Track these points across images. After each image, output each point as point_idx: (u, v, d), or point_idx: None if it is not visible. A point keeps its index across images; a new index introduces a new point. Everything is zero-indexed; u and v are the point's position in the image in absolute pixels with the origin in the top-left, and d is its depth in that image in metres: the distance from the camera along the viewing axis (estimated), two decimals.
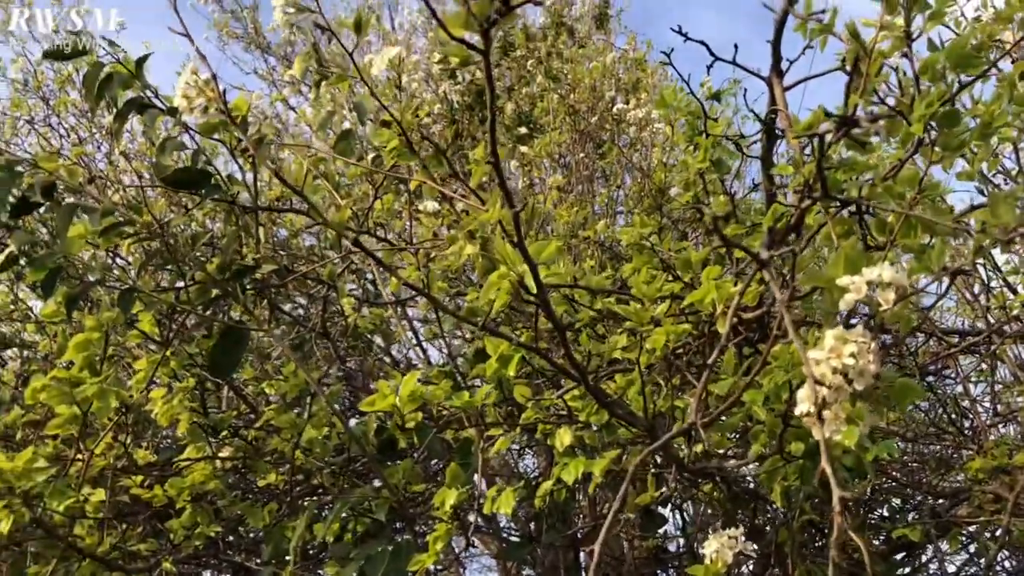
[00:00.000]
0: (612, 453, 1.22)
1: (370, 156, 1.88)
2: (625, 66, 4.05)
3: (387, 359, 3.06)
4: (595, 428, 1.40)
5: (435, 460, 2.01)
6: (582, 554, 2.87)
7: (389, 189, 1.77)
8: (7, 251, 1.42)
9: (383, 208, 1.83)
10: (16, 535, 1.40)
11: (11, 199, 1.46)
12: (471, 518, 1.51)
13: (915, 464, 2.59)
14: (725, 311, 1.16)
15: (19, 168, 1.48)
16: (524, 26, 4.57)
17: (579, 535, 2.68)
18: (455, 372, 1.59)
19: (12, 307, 3.16)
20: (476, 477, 1.54)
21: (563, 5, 5.41)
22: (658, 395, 1.34)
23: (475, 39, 0.76)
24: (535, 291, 0.87)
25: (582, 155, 3.61)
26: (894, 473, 2.41)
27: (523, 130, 3.50)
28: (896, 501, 2.48)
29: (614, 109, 3.49)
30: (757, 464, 1.21)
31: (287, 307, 2.51)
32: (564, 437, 1.41)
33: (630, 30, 5.18)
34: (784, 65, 1.17)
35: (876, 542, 2.15)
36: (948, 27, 1.70)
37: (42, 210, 1.50)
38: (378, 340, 2.87)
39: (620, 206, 3.71)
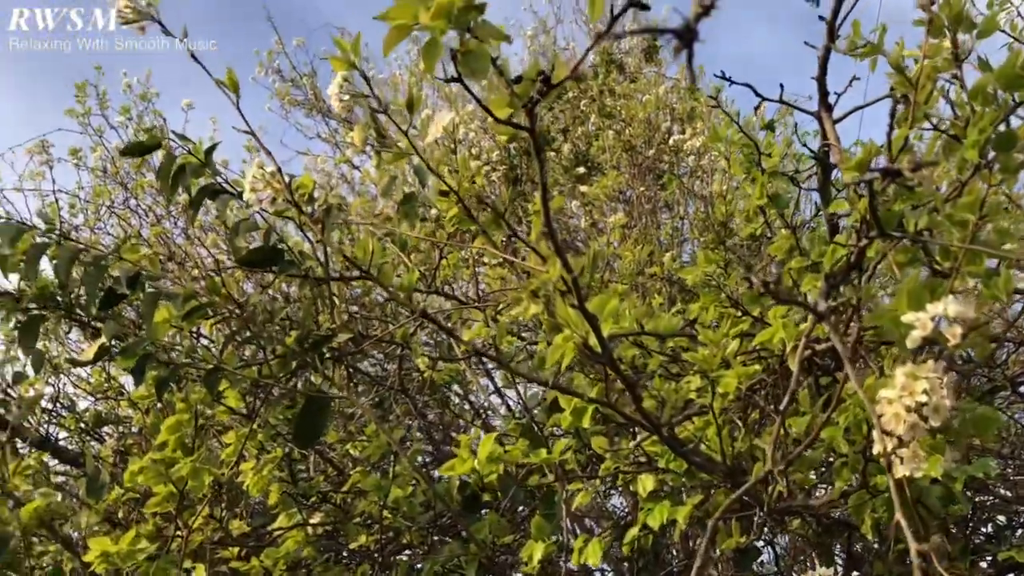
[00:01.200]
0: (695, 498, 1.22)
1: (432, 213, 1.93)
2: (678, 96, 4.06)
3: (466, 406, 3.10)
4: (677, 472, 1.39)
5: (520, 509, 2.02)
6: None
7: (453, 248, 1.82)
8: (98, 342, 1.50)
9: (449, 265, 1.87)
10: None
11: (99, 293, 1.54)
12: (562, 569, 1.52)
13: (1021, 478, 2.49)
14: (796, 347, 1.16)
15: (104, 262, 1.56)
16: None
17: (673, 573, 2.64)
18: (532, 424, 1.61)
19: (106, 385, 3.30)
20: (563, 523, 1.55)
21: (611, 42, 5.45)
22: (737, 434, 1.34)
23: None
24: (599, 351, 0.89)
25: (642, 188, 3.62)
26: (998, 488, 2.32)
27: (581, 170, 3.53)
28: (1001, 519, 2.39)
29: (671, 140, 3.50)
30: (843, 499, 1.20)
31: (364, 364, 2.57)
32: (646, 483, 1.41)
33: (680, 58, 5.17)
34: (832, 98, 1.17)
35: (983, 565, 2.07)
36: (1005, 32, 1.67)
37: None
38: (456, 388, 2.91)
39: (685, 234, 3.70)
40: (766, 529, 1.81)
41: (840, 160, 1.12)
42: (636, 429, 1.31)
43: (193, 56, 1.20)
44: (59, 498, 1.55)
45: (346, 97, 1.09)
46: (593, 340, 0.87)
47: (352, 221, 2.59)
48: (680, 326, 1.53)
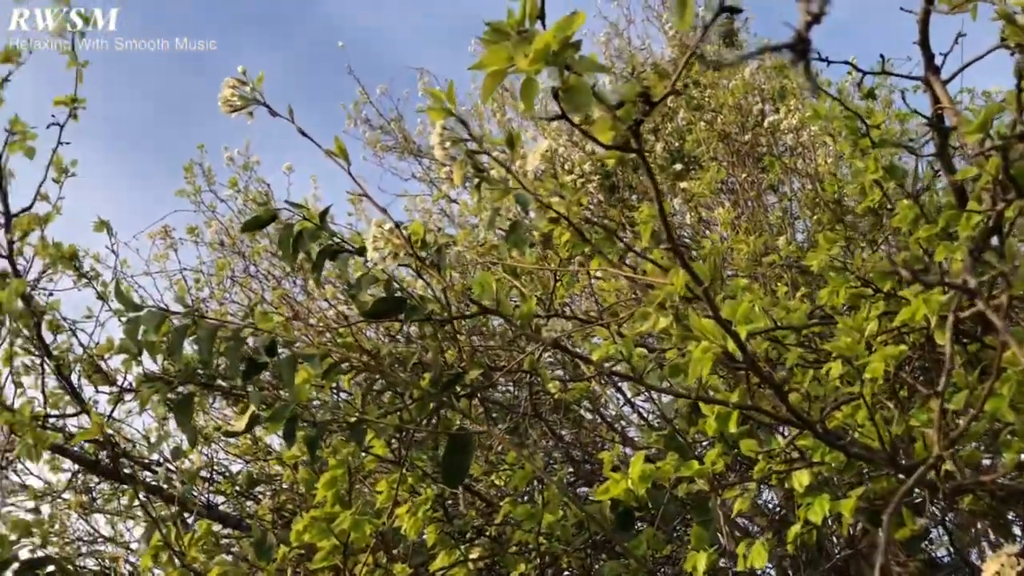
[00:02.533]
0: (858, 490, 1.18)
1: (538, 235, 1.94)
2: (765, 75, 3.97)
3: (599, 421, 3.09)
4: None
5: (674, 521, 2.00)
6: None
7: (567, 272, 1.82)
8: (248, 412, 1.57)
9: (564, 286, 1.88)
10: None
11: (241, 363, 1.62)
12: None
13: None
14: (943, 320, 1.11)
15: (242, 334, 1.64)
16: (655, 65, 4.58)
17: (838, 564, 2.56)
18: (674, 434, 1.60)
19: (254, 447, 3.44)
20: (721, 529, 1.53)
21: (687, 32, 5.38)
22: (890, 417, 1.29)
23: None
24: (740, 357, 0.88)
25: (744, 175, 3.55)
26: None
27: (678, 167, 3.49)
28: None
29: (766, 123, 3.42)
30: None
31: (494, 393, 2.60)
32: (802, 479, 1.38)
33: (759, 36, 5.07)
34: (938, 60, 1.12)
35: None
36: None
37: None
38: (586, 404, 2.92)
39: (795, 213, 3.60)
40: (937, 511, 1.73)
41: (959, 123, 1.08)
42: (784, 427, 1.28)
43: (302, 132, 1.25)
44: (233, 565, 1.63)
45: (448, 144, 1.12)
46: (732, 346, 0.86)
47: (460, 256, 2.63)
48: (807, 313, 1.49)
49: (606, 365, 1.76)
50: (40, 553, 1.72)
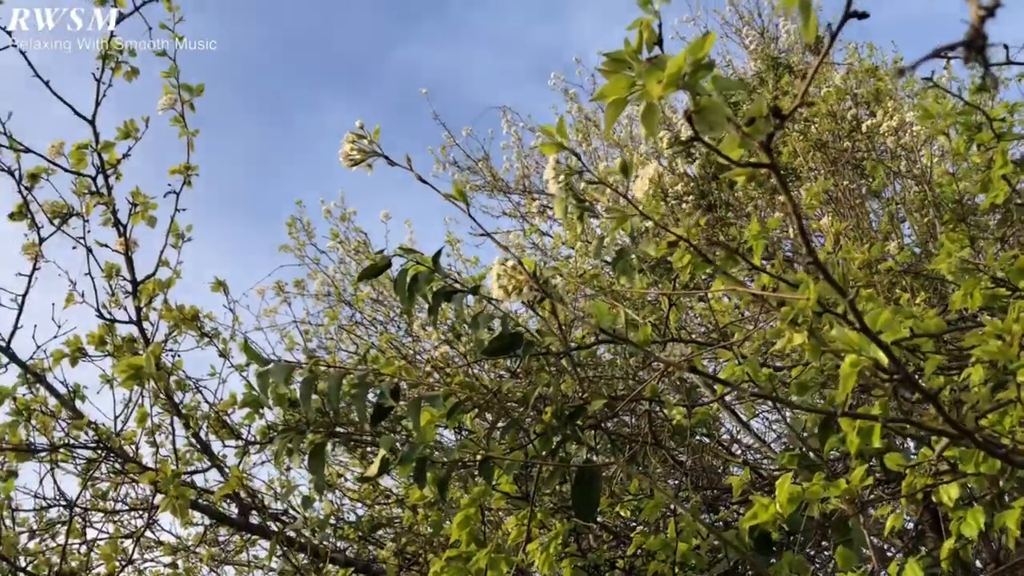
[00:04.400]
0: (1022, 501, 1.12)
1: (647, 259, 1.93)
2: (857, 80, 3.88)
3: (716, 446, 3.03)
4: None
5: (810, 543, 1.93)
6: None
7: (684, 295, 1.81)
8: (379, 456, 1.60)
9: (680, 308, 1.85)
10: None
11: (369, 409, 1.65)
12: None
13: None
14: None
15: (367, 380, 1.67)
16: (740, 79, 4.52)
17: None
18: (808, 452, 1.55)
19: (373, 491, 3.50)
20: (866, 550, 1.47)
21: (767, 42, 5.31)
22: None
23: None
24: (890, 369, 0.85)
25: (845, 183, 3.46)
26: None
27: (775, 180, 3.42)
28: None
29: (864, 127, 3.33)
30: None
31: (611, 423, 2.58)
32: (951, 492, 1.32)
33: (843, 40, 4.96)
34: None
35: None
36: None
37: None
38: (702, 431, 2.86)
39: (902, 216, 3.49)
40: None
41: None
42: (932, 438, 1.23)
43: (421, 179, 1.28)
44: None
45: (562, 178, 1.13)
46: (881, 356, 0.83)
47: (562, 289, 2.64)
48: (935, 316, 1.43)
49: (728, 388, 1.73)
50: None
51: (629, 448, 2.27)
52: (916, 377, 1.20)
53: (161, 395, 1.86)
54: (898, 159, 3.41)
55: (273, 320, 4.18)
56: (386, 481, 3.63)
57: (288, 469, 3.13)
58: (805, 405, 1.22)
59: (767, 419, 3.66)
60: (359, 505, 3.55)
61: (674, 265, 1.21)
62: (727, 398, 3.25)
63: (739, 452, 3.17)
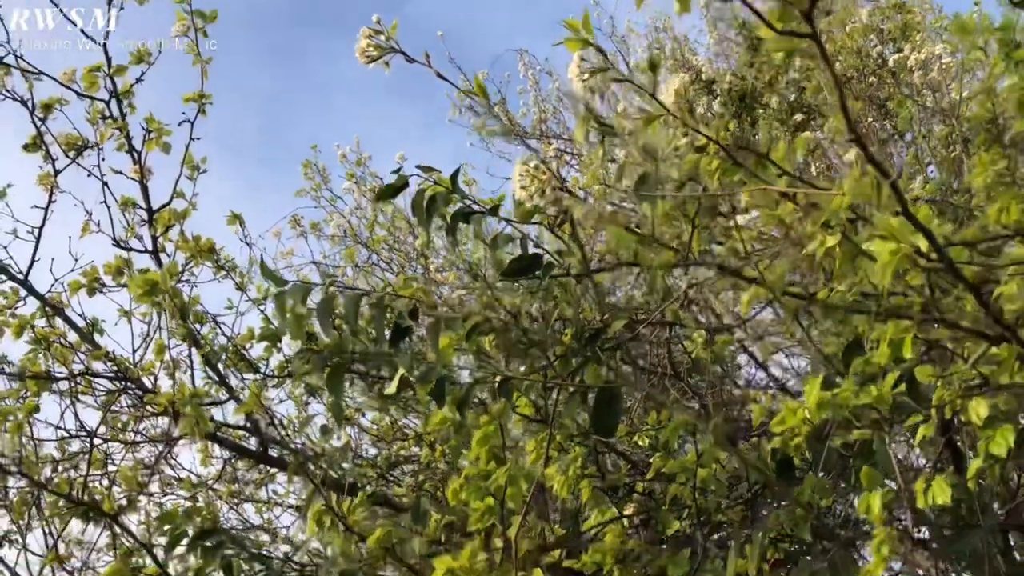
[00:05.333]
0: None
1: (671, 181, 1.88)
2: (884, 16, 3.78)
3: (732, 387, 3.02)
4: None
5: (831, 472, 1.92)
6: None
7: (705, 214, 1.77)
8: (398, 374, 1.59)
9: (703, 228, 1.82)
10: None
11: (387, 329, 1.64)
12: (904, 519, 1.42)
13: None
14: None
15: (384, 302, 1.65)
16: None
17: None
18: (832, 367, 1.52)
19: (391, 429, 3.51)
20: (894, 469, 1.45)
21: None
22: None
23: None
24: (934, 256, 0.81)
25: (869, 120, 3.39)
26: None
27: (799, 117, 3.36)
28: None
29: (891, 61, 3.25)
30: None
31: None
32: (979, 409, 1.29)
33: None
34: None
35: None
36: None
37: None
38: (717, 369, 2.85)
39: (928, 156, 3.42)
40: None
41: None
42: (965, 350, 1.19)
43: (440, 75, 1.24)
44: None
45: (587, 75, 1.09)
46: (922, 241, 0.80)
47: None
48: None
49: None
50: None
51: (648, 380, 2.26)
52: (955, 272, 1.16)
53: (177, 318, 1.85)
54: (924, 96, 3.33)
55: (290, 262, 4.16)
56: (404, 422, 3.65)
57: (307, 404, 3.14)
58: (844, 304, 1.17)
59: (783, 366, 3.63)
60: (378, 446, 3.58)
61: (702, 171, 1.17)
62: (746, 336, 3.22)
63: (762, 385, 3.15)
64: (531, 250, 1.64)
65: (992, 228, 1.46)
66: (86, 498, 2.15)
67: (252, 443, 2.79)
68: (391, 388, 1.56)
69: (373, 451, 3.66)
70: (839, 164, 3.21)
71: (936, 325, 1.05)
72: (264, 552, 2.26)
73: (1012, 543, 2.62)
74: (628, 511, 1.72)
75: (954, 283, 0.89)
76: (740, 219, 1.84)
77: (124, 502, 2.26)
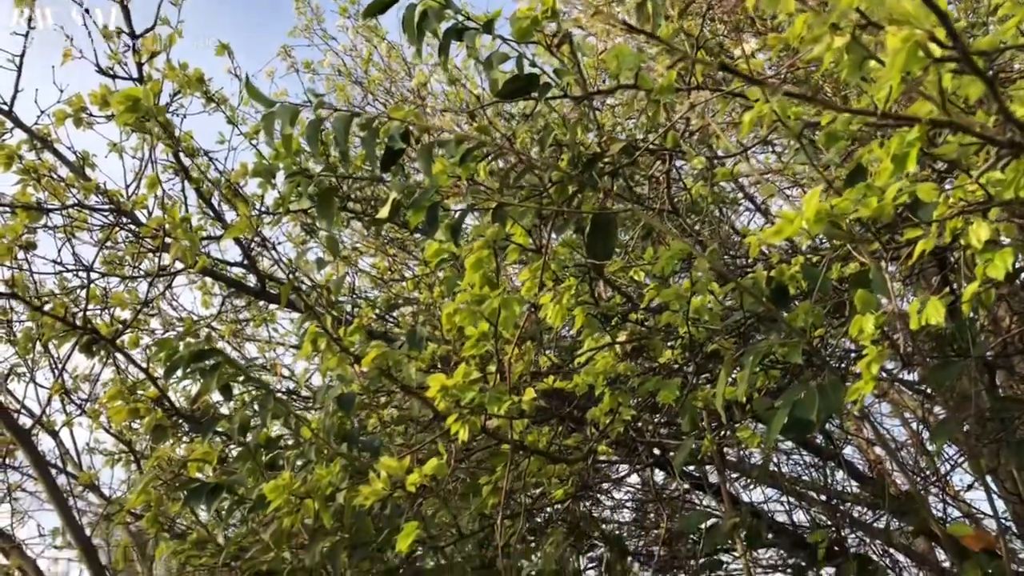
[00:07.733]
0: None
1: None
2: None
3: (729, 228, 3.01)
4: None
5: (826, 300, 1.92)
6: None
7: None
8: (390, 199, 1.56)
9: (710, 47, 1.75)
10: (471, 443, 1.55)
11: (379, 152, 1.59)
12: (896, 339, 1.42)
13: None
14: None
15: (376, 124, 1.60)
16: None
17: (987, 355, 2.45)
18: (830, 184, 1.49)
19: (389, 271, 3.52)
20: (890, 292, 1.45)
21: None
22: None
23: None
24: (949, 44, 0.77)
25: None
26: None
27: None
28: None
29: None
30: None
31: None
32: (980, 231, 1.26)
33: None
34: None
35: None
36: None
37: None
38: (715, 212, 2.84)
39: None
40: None
41: None
42: (971, 166, 1.16)
43: None
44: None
45: None
46: (941, 33, 0.75)
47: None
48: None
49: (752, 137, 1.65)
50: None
51: (646, 213, 2.23)
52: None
53: (166, 144, 1.80)
54: None
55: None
56: (407, 271, 3.66)
57: (304, 243, 3.12)
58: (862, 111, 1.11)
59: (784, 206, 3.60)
60: (378, 288, 3.60)
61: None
62: (745, 181, 3.18)
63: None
64: (527, 69, 1.58)
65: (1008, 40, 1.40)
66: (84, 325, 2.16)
67: (252, 281, 2.80)
68: (384, 212, 1.54)
69: (373, 295, 3.69)
70: None
71: (943, 137, 1.01)
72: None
73: (998, 381, 2.67)
74: (620, 337, 1.73)
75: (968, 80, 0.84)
76: (747, 46, 1.77)
77: (121, 327, 2.28)
